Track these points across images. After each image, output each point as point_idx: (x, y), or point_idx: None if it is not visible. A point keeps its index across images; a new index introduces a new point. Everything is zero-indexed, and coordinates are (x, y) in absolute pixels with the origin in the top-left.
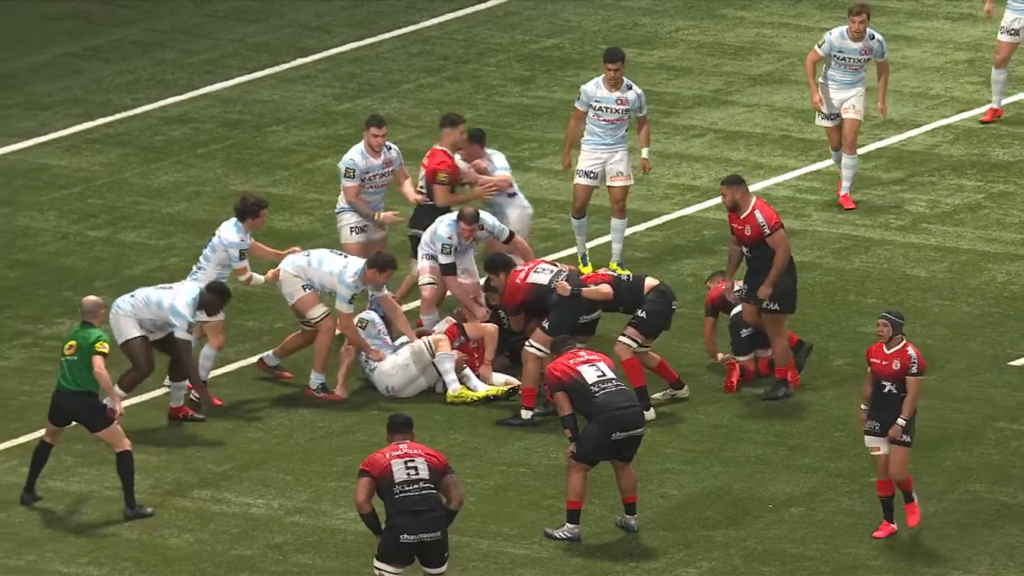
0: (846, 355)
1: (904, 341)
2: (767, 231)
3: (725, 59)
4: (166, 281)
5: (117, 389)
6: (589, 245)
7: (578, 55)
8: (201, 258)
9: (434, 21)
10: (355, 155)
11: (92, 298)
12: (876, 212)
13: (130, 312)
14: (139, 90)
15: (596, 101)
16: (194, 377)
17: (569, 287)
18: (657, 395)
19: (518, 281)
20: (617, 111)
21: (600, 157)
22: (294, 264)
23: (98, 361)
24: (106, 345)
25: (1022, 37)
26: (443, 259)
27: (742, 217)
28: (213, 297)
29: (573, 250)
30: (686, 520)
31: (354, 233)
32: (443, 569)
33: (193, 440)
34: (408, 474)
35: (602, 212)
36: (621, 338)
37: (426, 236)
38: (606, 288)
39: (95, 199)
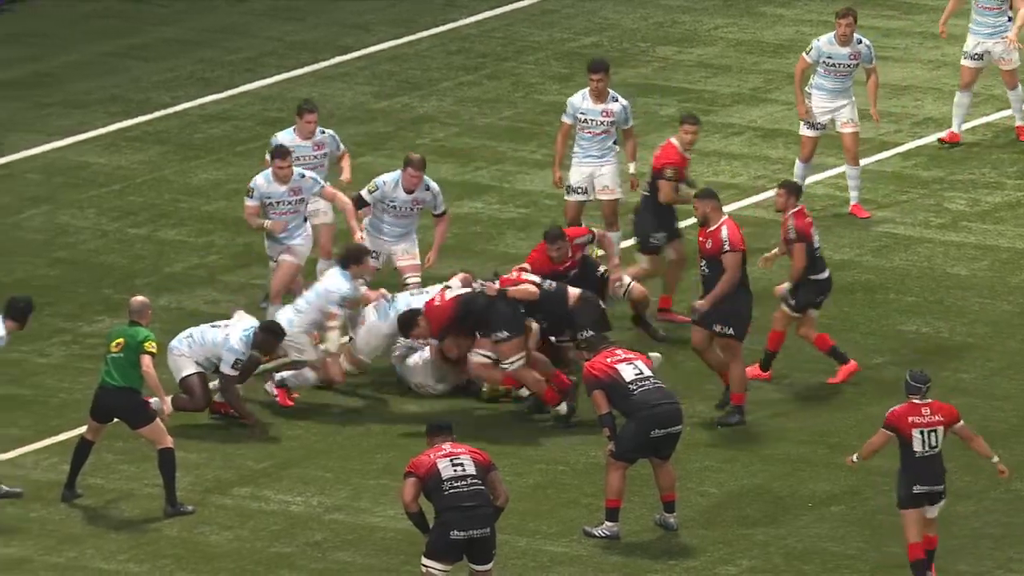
0: (885, 353)
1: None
2: (726, 248)
3: (764, 57)
4: (204, 278)
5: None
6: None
7: (617, 53)
8: (302, 302)
9: (473, 19)
10: (259, 179)
11: (140, 298)
12: (916, 210)
13: (187, 353)
14: (178, 88)
15: (582, 113)
16: (237, 405)
17: (496, 287)
18: None
19: (437, 304)
20: (603, 123)
21: (587, 171)
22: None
23: (147, 360)
24: (155, 345)
25: (985, 62)
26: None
27: (708, 231)
28: (268, 337)
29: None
30: (725, 518)
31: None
32: (490, 566)
33: (233, 438)
34: (455, 471)
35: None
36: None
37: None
38: (531, 288)
39: (135, 197)
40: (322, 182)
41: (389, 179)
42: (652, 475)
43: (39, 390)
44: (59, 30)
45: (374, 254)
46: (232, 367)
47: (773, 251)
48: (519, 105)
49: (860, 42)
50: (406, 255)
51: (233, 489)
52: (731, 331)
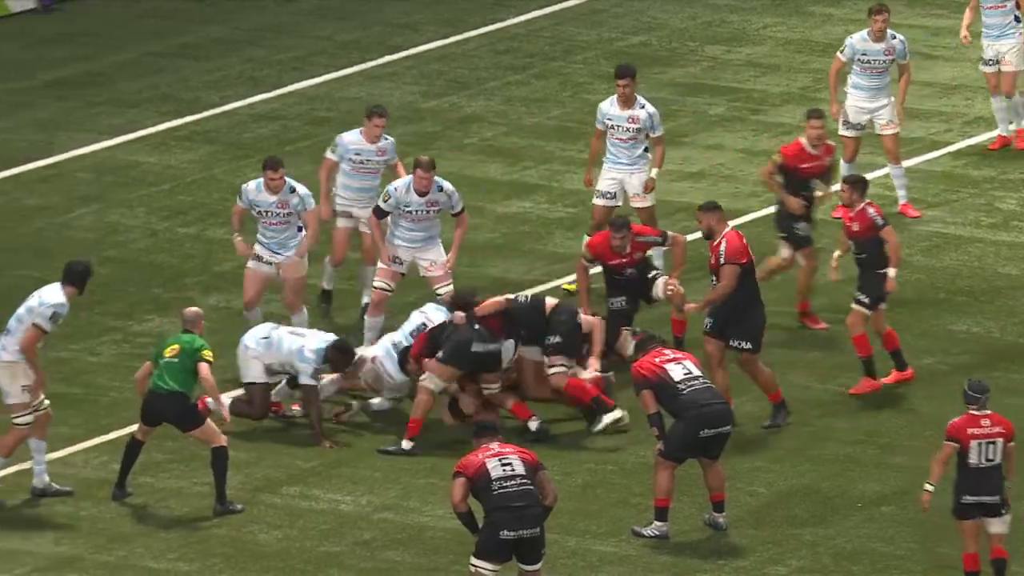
0: (936, 353)
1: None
2: (722, 260)
3: (813, 56)
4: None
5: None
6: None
7: (665, 52)
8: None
9: (521, 19)
10: (251, 185)
11: (194, 308)
12: (966, 210)
13: (260, 354)
14: (227, 87)
15: (608, 119)
16: (317, 422)
17: (464, 316)
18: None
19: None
20: (629, 129)
21: (617, 177)
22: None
23: (205, 368)
24: (211, 354)
25: (1003, 64)
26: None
27: (713, 245)
28: (339, 356)
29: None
30: (775, 518)
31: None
32: (539, 566)
33: (282, 437)
34: (504, 470)
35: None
36: (551, 370)
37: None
38: (499, 300)
39: (184, 196)
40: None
41: (401, 184)
42: (701, 475)
43: (89, 389)
44: (109, 30)
45: (398, 259)
46: (312, 377)
47: (836, 259)
48: (567, 104)
49: (894, 37)
50: (434, 266)
51: (282, 488)
52: (749, 346)
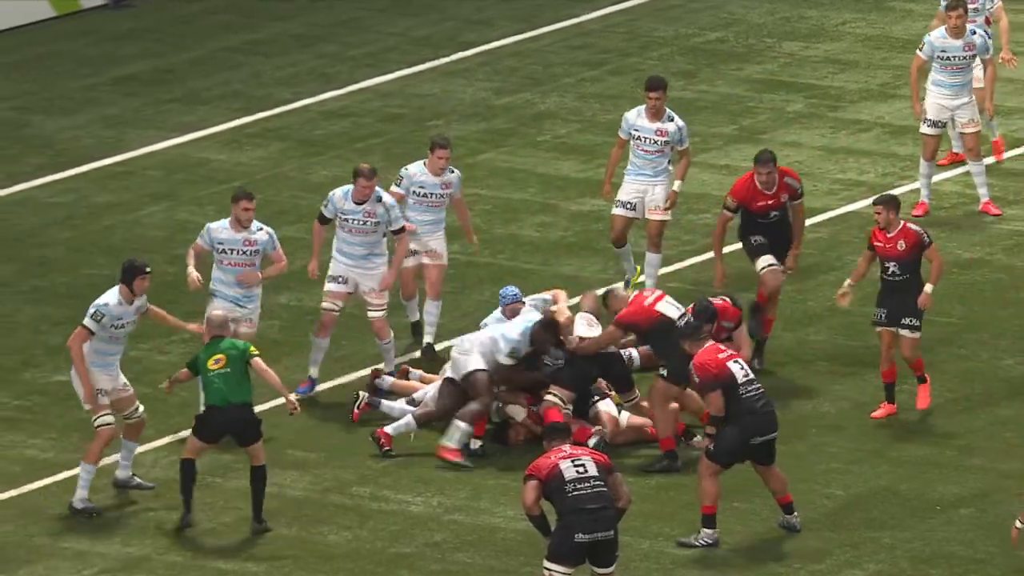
0: (1016, 354)
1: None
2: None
3: (893, 52)
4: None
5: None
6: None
7: (743, 49)
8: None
9: (596, 14)
10: (216, 224)
11: (220, 312)
12: None
13: (476, 348)
14: (299, 84)
15: (636, 130)
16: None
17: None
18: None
19: (646, 304)
20: (656, 142)
21: (639, 189)
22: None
23: (259, 362)
24: (255, 348)
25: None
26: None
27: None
28: (545, 333)
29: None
30: (852, 521)
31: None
32: (612, 569)
33: (352, 437)
34: (578, 472)
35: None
36: (548, 398)
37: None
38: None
39: (255, 193)
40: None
41: (339, 192)
42: (758, 480)
43: (159, 388)
44: (179, 26)
45: (340, 278)
46: (508, 356)
47: (848, 286)
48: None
49: (974, 33)
50: (373, 292)
51: (352, 489)
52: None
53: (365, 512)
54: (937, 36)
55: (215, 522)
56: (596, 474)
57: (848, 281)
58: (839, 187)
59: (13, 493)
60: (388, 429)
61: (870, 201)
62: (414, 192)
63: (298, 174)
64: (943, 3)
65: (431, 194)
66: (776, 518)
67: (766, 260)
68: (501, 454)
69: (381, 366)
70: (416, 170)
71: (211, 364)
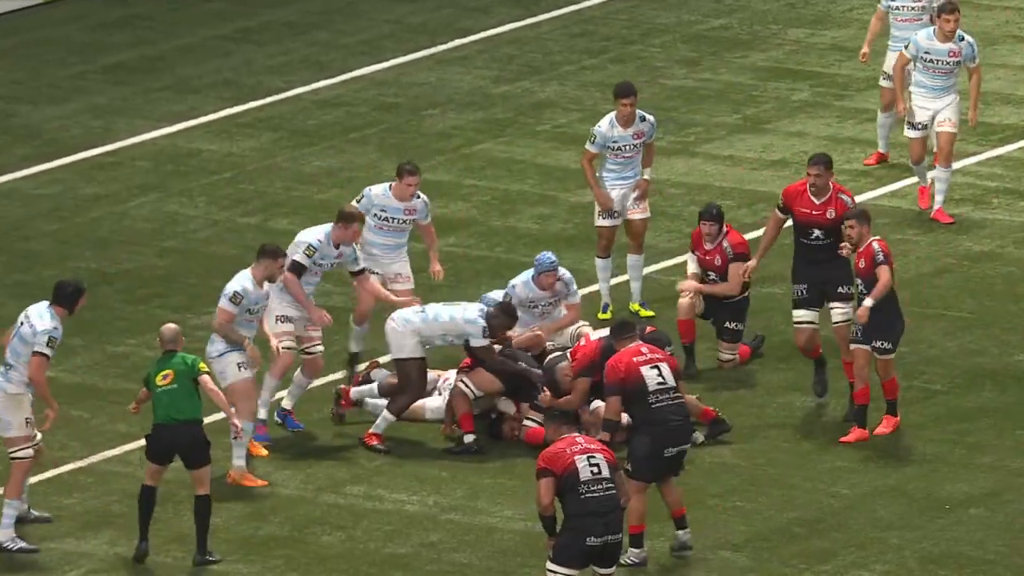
0: None
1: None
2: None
3: None
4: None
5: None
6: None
7: (747, 36)
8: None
9: (597, 1)
10: (247, 284)
11: (172, 326)
12: None
13: (416, 328)
14: (291, 72)
15: (613, 142)
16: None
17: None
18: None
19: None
20: (635, 145)
21: (622, 193)
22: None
23: (207, 380)
24: (206, 365)
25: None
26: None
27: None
28: (501, 317)
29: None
30: (858, 521)
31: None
32: (613, 569)
33: (346, 435)
34: (592, 472)
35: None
36: (527, 423)
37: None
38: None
39: (246, 185)
40: (429, 213)
41: (378, 190)
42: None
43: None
44: (170, 13)
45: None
46: (483, 335)
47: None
48: (644, 90)
49: (962, 39)
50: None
51: (346, 488)
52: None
53: (359, 511)
54: (923, 36)
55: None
56: (608, 475)
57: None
58: (845, 177)
59: None
60: (372, 430)
61: (878, 192)
62: (375, 215)
63: (291, 165)
64: (883, 3)
65: (393, 219)
66: (781, 518)
67: (797, 315)
68: (498, 453)
69: (381, 359)
70: (380, 192)
71: (159, 380)
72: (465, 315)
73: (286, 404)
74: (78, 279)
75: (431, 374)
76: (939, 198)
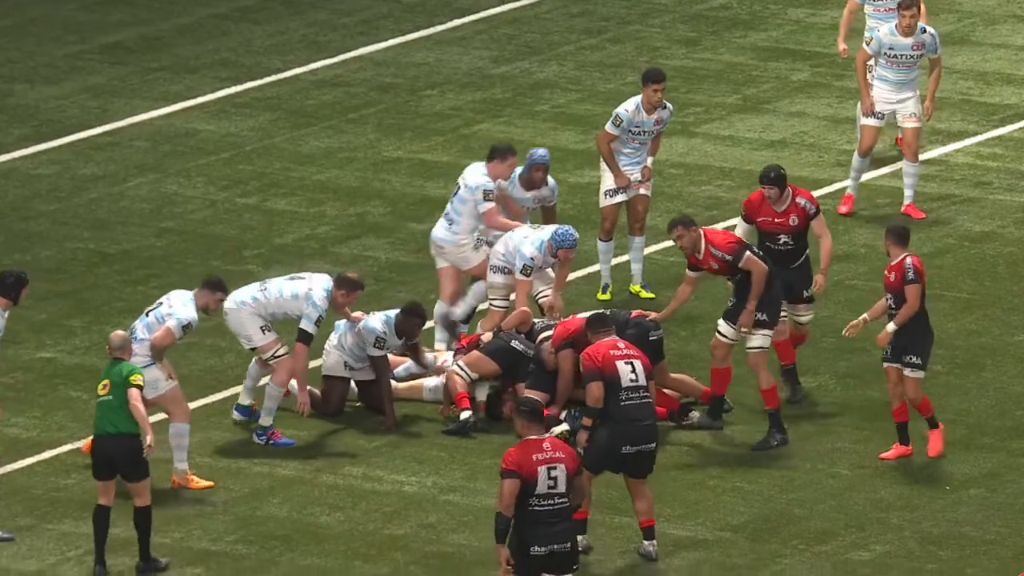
0: None
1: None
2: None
3: None
4: (315, 249)
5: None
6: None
7: (747, 16)
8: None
9: None
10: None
11: (121, 333)
12: None
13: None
14: (289, 52)
15: (636, 126)
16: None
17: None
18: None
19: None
20: (653, 131)
21: (630, 173)
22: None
23: (134, 393)
24: (141, 378)
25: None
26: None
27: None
28: (412, 320)
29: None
30: (858, 501)
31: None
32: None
33: (345, 417)
34: (548, 486)
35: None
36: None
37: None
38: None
39: (244, 165)
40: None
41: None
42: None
43: None
44: None
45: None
46: (375, 346)
47: (863, 321)
48: (643, 70)
49: (924, 31)
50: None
51: (345, 468)
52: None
53: (358, 492)
54: (886, 32)
55: (204, 503)
56: (563, 490)
57: (863, 316)
58: (845, 158)
59: None
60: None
61: (879, 172)
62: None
63: (289, 145)
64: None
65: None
66: (781, 499)
67: (752, 340)
68: (497, 434)
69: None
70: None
71: (99, 389)
72: (369, 323)
73: (244, 400)
74: (20, 269)
75: (428, 356)
76: (908, 193)
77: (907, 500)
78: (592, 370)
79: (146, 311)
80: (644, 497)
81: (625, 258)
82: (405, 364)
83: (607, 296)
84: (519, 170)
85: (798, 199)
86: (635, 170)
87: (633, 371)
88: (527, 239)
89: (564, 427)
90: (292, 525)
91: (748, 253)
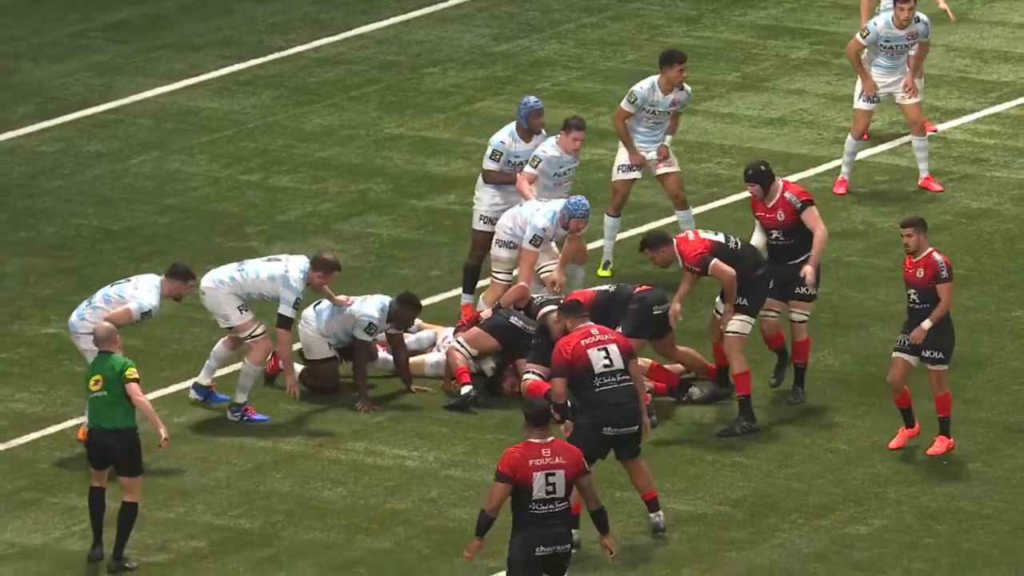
0: None
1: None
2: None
3: None
4: (318, 226)
5: None
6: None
7: None
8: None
9: None
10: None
11: (107, 325)
12: None
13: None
14: (292, 30)
15: (650, 105)
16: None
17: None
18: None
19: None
20: (669, 111)
21: (644, 151)
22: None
23: (134, 388)
24: (135, 371)
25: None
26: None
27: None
28: (406, 309)
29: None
30: (856, 476)
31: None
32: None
33: (347, 391)
34: (547, 491)
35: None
36: (527, 376)
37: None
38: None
39: (247, 142)
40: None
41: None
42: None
43: (149, 341)
44: None
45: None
46: (366, 331)
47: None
48: (643, 48)
49: (918, 21)
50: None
51: (347, 443)
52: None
53: (360, 467)
54: (883, 25)
55: (207, 477)
56: (562, 495)
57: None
58: (844, 135)
59: (1, 448)
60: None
61: (876, 150)
62: (555, 173)
63: (291, 123)
64: None
65: (567, 171)
66: (779, 473)
67: (731, 324)
68: (498, 409)
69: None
70: (551, 148)
71: (91, 384)
72: (362, 308)
73: (203, 380)
74: None
75: (430, 331)
76: (923, 167)
77: (905, 475)
78: (559, 365)
79: (112, 283)
80: (642, 473)
81: (625, 234)
82: (411, 339)
83: (608, 272)
84: (512, 126)
85: (786, 194)
86: (651, 148)
87: (607, 356)
88: (539, 211)
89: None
90: (295, 499)
91: (715, 261)
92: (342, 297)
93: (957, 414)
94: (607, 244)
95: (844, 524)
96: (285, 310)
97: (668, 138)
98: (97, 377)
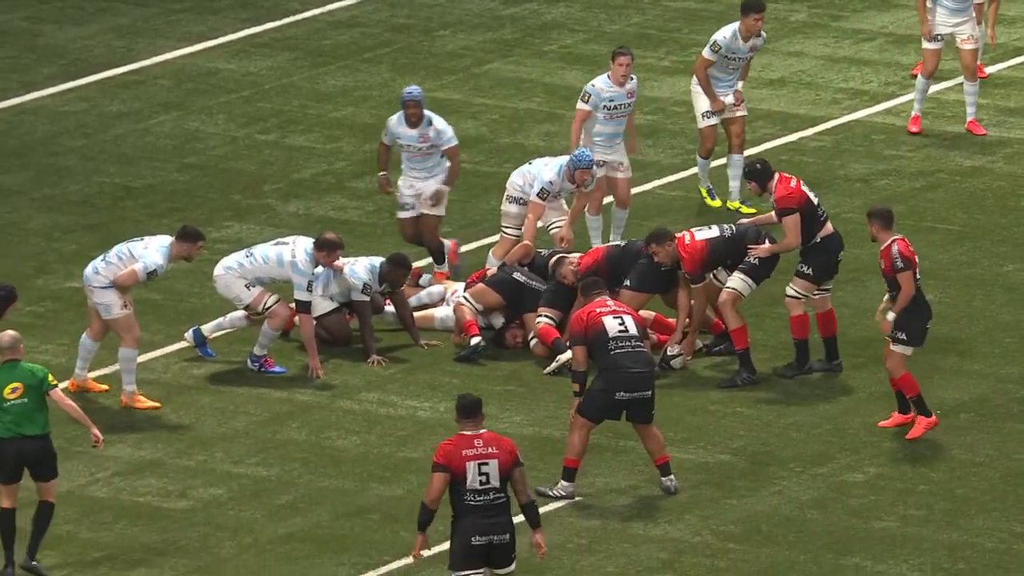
0: (1017, 260)
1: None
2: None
3: None
4: (332, 184)
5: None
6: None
7: None
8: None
9: None
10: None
11: (11, 333)
12: None
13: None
14: None
15: (732, 52)
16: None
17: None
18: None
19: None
20: (628, 104)
21: (723, 96)
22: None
23: (58, 394)
24: (51, 376)
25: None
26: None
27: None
28: (396, 269)
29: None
30: (852, 426)
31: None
32: (512, 568)
33: (359, 343)
34: (480, 481)
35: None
36: (540, 319)
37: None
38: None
39: (263, 103)
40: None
41: (599, 84)
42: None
43: (168, 295)
44: None
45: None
46: (362, 292)
47: (882, 307)
48: (647, 12)
49: None
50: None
51: (360, 394)
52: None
53: (373, 417)
54: None
55: (226, 427)
56: (497, 485)
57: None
58: (842, 96)
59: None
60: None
61: (874, 110)
62: (604, 107)
63: (307, 84)
64: None
65: (620, 106)
66: (779, 423)
67: (730, 280)
68: (506, 361)
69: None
70: (602, 84)
71: (7, 392)
72: (354, 271)
73: (206, 328)
74: (10, 285)
75: (439, 286)
76: (971, 110)
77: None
78: (576, 333)
79: (128, 240)
80: (654, 438)
81: (695, 170)
82: (418, 294)
83: (716, 203)
84: (398, 116)
85: (775, 194)
86: (728, 93)
87: (622, 323)
88: (547, 166)
89: (568, 355)
90: (310, 448)
91: (707, 277)
92: (338, 263)
93: (951, 365)
94: (704, 183)
95: (841, 472)
96: (300, 295)
97: (740, 83)
98: (15, 385)
